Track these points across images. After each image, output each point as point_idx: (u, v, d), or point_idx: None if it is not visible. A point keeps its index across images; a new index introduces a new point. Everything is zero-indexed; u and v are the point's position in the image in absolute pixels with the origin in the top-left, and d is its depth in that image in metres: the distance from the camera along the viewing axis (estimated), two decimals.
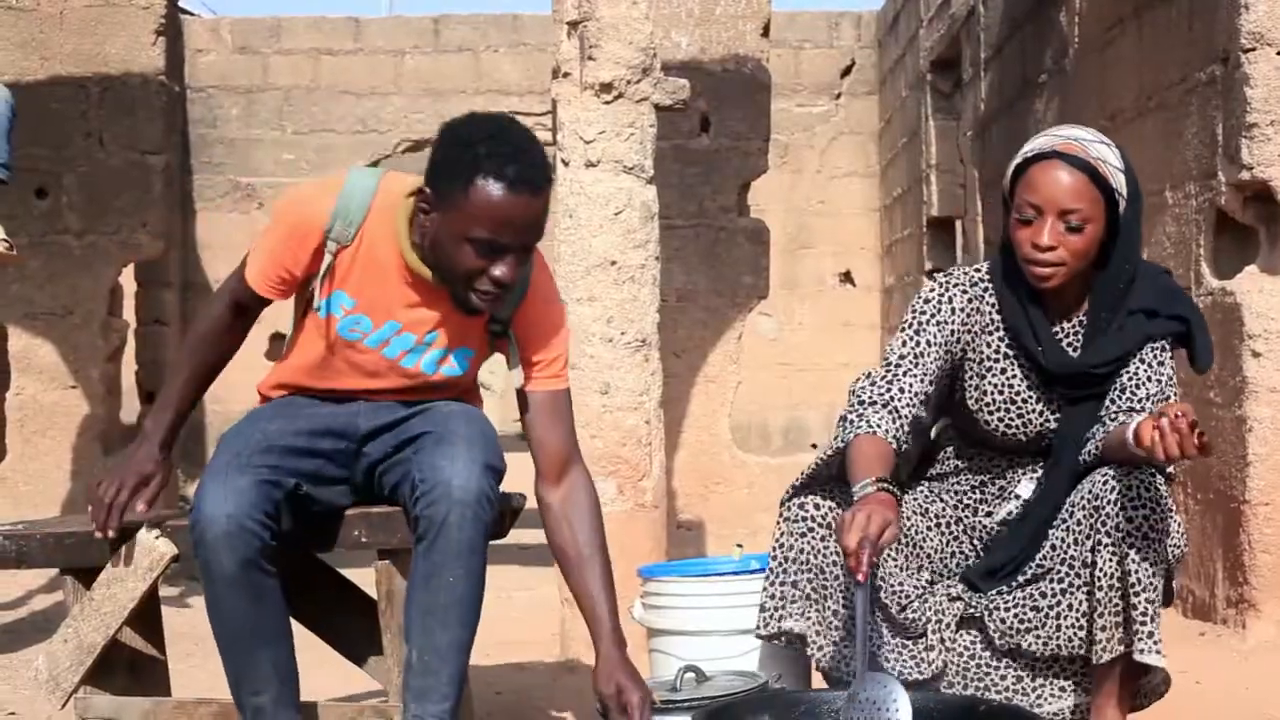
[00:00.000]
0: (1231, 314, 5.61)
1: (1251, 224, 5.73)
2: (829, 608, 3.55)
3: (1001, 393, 3.68)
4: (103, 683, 3.66)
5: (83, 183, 8.96)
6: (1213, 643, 5.55)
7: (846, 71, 15.87)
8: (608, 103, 5.34)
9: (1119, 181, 3.54)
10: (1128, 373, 3.59)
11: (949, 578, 3.73)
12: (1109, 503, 3.40)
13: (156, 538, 3.49)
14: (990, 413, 3.70)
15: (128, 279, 10.56)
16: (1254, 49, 5.50)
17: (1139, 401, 3.55)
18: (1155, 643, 3.39)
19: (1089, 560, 3.44)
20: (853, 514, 3.20)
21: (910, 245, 13.59)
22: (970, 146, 11.02)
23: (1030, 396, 3.66)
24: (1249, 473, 5.51)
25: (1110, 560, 3.40)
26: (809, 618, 3.56)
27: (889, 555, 3.57)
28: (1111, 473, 3.43)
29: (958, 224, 11.96)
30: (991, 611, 3.60)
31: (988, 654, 3.64)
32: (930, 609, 3.61)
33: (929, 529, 3.72)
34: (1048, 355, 3.61)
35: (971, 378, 3.70)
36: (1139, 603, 3.38)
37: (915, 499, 3.76)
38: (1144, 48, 6.69)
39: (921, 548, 3.69)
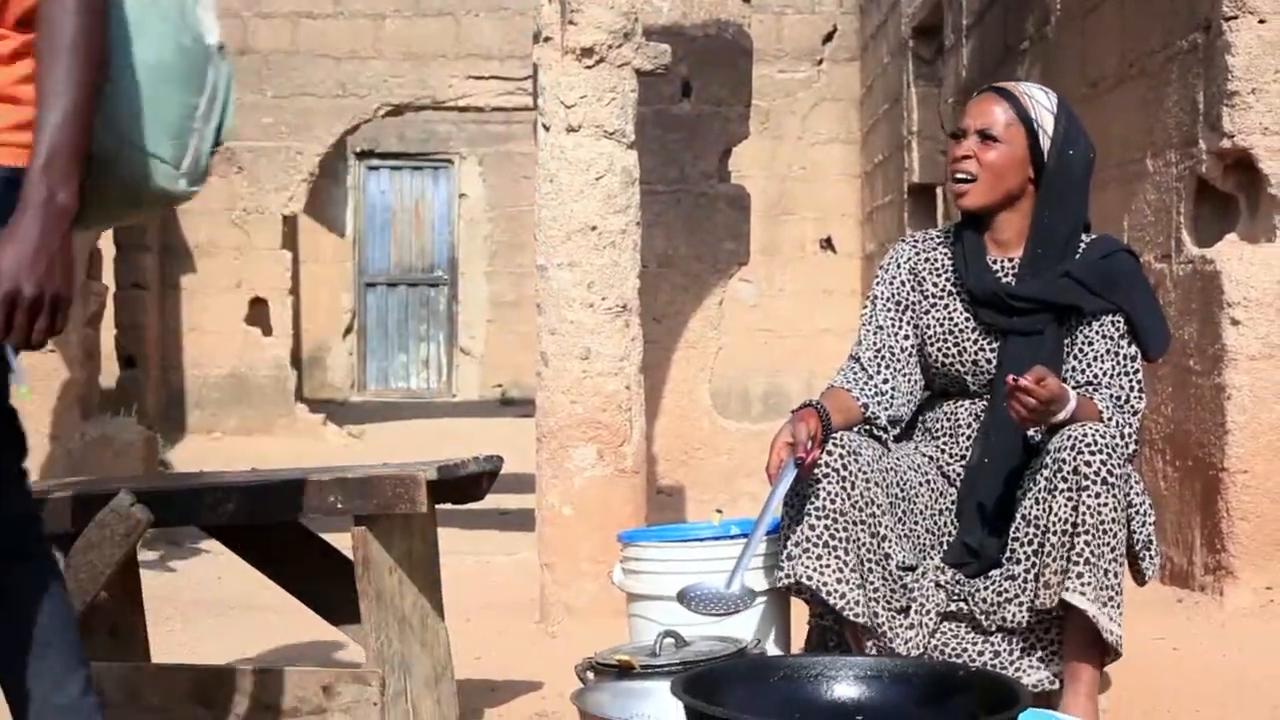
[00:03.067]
0: (1211, 282, 5.61)
1: (1232, 192, 5.73)
2: (848, 554, 3.57)
3: (942, 325, 3.85)
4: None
5: None
6: (1190, 609, 5.57)
7: (828, 38, 15.85)
8: (589, 67, 5.32)
9: (1040, 114, 3.77)
10: (1085, 344, 3.73)
11: (936, 543, 3.76)
12: (1064, 449, 3.48)
13: (132, 504, 3.48)
14: (932, 344, 3.86)
15: (106, 242, 10.52)
16: (1236, 17, 5.50)
17: (1095, 376, 3.71)
18: (1084, 584, 3.45)
19: (1049, 508, 3.50)
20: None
21: (891, 212, 13.58)
22: (952, 113, 11.01)
23: (967, 327, 3.82)
24: (1227, 440, 5.52)
25: (1065, 505, 3.48)
26: (827, 564, 3.57)
27: (890, 516, 3.63)
28: (1070, 429, 3.51)
29: (938, 191, 11.95)
30: (973, 595, 3.63)
31: (970, 636, 3.66)
32: (917, 590, 3.64)
33: (920, 484, 3.77)
34: (972, 276, 3.80)
35: (921, 316, 3.89)
36: (1079, 544, 3.46)
37: (907, 455, 3.81)
38: (1126, 15, 6.68)
39: (914, 503, 3.73)
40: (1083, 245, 3.79)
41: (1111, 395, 3.66)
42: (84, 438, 8.38)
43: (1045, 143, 3.75)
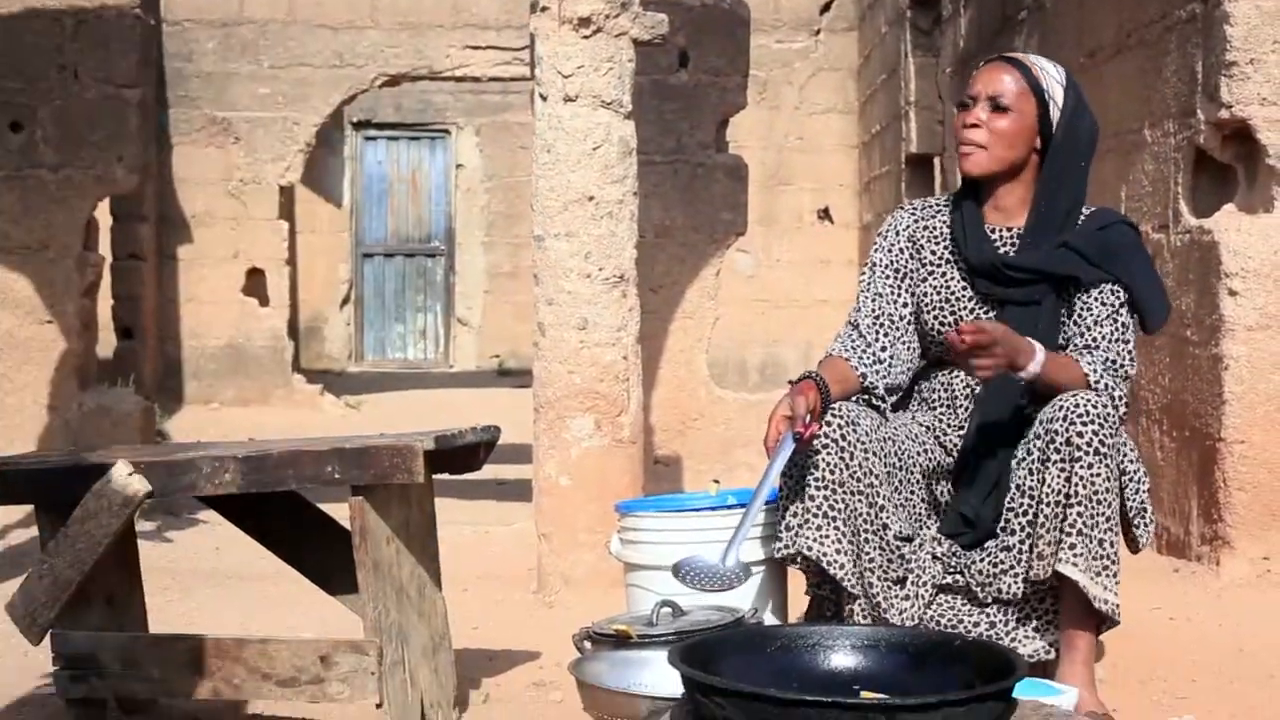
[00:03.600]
0: (1209, 252, 5.61)
1: (1230, 163, 5.73)
2: (845, 525, 3.57)
3: (939, 293, 3.87)
4: (79, 619, 3.66)
5: (57, 116, 8.89)
6: (1187, 579, 5.58)
7: (826, 8, 15.81)
8: (586, 37, 5.31)
9: (1050, 86, 3.77)
10: (1084, 310, 3.74)
11: (933, 513, 3.77)
12: (1057, 420, 3.50)
13: (130, 474, 3.48)
14: (929, 312, 3.87)
15: (103, 213, 10.50)
16: None
17: (1095, 340, 3.72)
18: (1077, 555, 3.48)
19: (1042, 479, 3.50)
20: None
21: (889, 182, 13.56)
22: (949, 83, 10.99)
23: (964, 296, 3.84)
24: (1225, 410, 5.53)
25: (1058, 477, 3.50)
26: (826, 535, 3.58)
27: (888, 485, 3.63)
28: (1062, 399, 3.53)
29: (936, 161, 11.94)
30: (969, 566, 3.64)
31: (966, 607, 3.67)
32: (914, 562, 3.65)
33: (917, 454, 3.78)
34: (970, 245, 3.81)
35: (918, 284, 3.90)
36: (1072, 515, 3.48)
37: (904, 424, 3.82)
38: None
39: (911, 473, 3.75)
40: (1082, 217, 3.80)
41: (1106, 359, 3.66)
42: (81, 408, 8.37)
43: (1055, 114, 3.76)
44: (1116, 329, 3.71)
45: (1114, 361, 3.67)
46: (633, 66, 5.42)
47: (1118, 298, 3.72)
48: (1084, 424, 3.46)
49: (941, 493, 3.80)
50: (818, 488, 3.58)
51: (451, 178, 18.98)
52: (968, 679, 2.64)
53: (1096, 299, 3.72)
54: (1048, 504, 3.50)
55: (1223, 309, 5.53)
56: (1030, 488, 3.55)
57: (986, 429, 3.75)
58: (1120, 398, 3.64)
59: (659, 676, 3.36)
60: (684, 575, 3.52)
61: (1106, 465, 3.47)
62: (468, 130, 18.70)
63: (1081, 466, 3.46)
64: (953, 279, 3.85)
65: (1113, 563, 3.51)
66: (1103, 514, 3.48)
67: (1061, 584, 3.56)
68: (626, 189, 5.37)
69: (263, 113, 13.03)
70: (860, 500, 3.57)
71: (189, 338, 13.00)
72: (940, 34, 11.58)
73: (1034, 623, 3.65)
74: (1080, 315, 3.73)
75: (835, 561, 3.58)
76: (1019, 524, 3.57)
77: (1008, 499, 3.60)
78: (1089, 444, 3.45)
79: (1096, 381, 3.61)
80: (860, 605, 3.62)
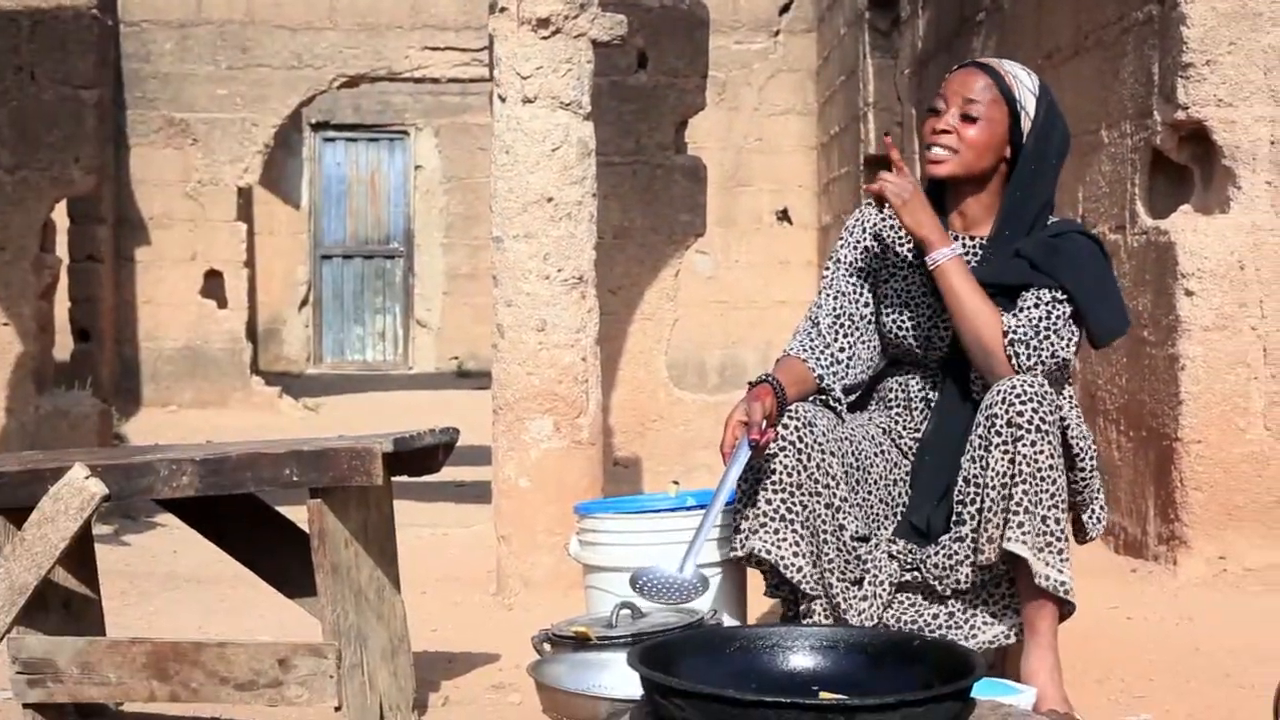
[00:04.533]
0: (1165, 253, 5.64)
1: (1186, 163, 5.76)
2: (803, 527, 3.58)
3: (900, 295, 3.84)
4: (36, 623, 3.64)
5: (14, 117, 8.83)
6: (1145, 579, 5.60)
7: (785, 9, 15.84)
8: (545, 38, 5.31)
9: (1023, 95, 3.74)
10: (1022, 301, 3.67)
11: (890, 513, 3.77)
12: (996, 404, 3.50)
13: (86, 477, 3.46)
14: (888, 314, 3.85)
15: (60, 215, 10.46)
16: None
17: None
18: (1024, 533, 3.48)
19: (986, 464, 3.50)
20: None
21: (847, 183, 13.59)
22: (907, 85, 11.02)
23: (924, 302, 3.81)
24: (1181, 411, 5.55)
25: (1002, 459, 3.49)
26: (784, 538, 3.58)
27: (846, 487, 3.63)
28: (999, 384, 3.53)
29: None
30: (925, 561, 3.64)
31: (925, 603, 3.68)
32: (871, 562, 3.65)
33: (874, 455, 3.78)
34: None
35: (880, 284, 3.88)
36: (1017, 493, 3.48)
37: (861, 425, 3.82)
38: None
39: (869, 473, 3.74)
40: (1045, 226, 3.78)
41: (1032, 324, 3.59)
42: (38, 411, 8.33)
43: (1026, 125, 3.74)
44: (1047, 316, 3.59)
45: (1038, 335, 3.58)
46: (591, 67, 5.42)
47: (1054, 296, 3.63)
48: (1023, 403, 3.46)
49: (899, 495, 3.80)
50: (775, 490, 3.58)
51: (410, 179, 18.96)
52: (926, 679, 2.65)
53: (1033, 293, 3.65)
54: (993, 487, 3.49)
55: (1179, 309, 5.55)
56: (975, 475, 3.53)
57: (941, 435, 3.75)
58: (1050, 368, 3.59)
59: (618, 678, 3.36)
60: (641, 587, 3.50)
61: (1049, 443, 3.47)
62: (426, 131, 18.68)
63: (1025, 445, 3.45)
64: (914, 283, 3.83)
65: (1058, 540, 3.49)
66: (1047, 491, 3.47)
67: (1015, 566, 3.56)
68: (585, 190, 5.37)
69: (221, 114, 13.01)
70: (818, 501, 3.57)
71: (147, 340, 12.96)
72: (899, 35, 11.61)
73: (993, 607, 3.64)
74: (1019, 306, 3.67)
75: (792, 564, 3.59)
76: (969, 513, 3.56)
77: (956, 491, 3.59)
78: (1029, 422, 3.45)
79: (1006, 335, 3.57)
80: (820, 605, 3.62)
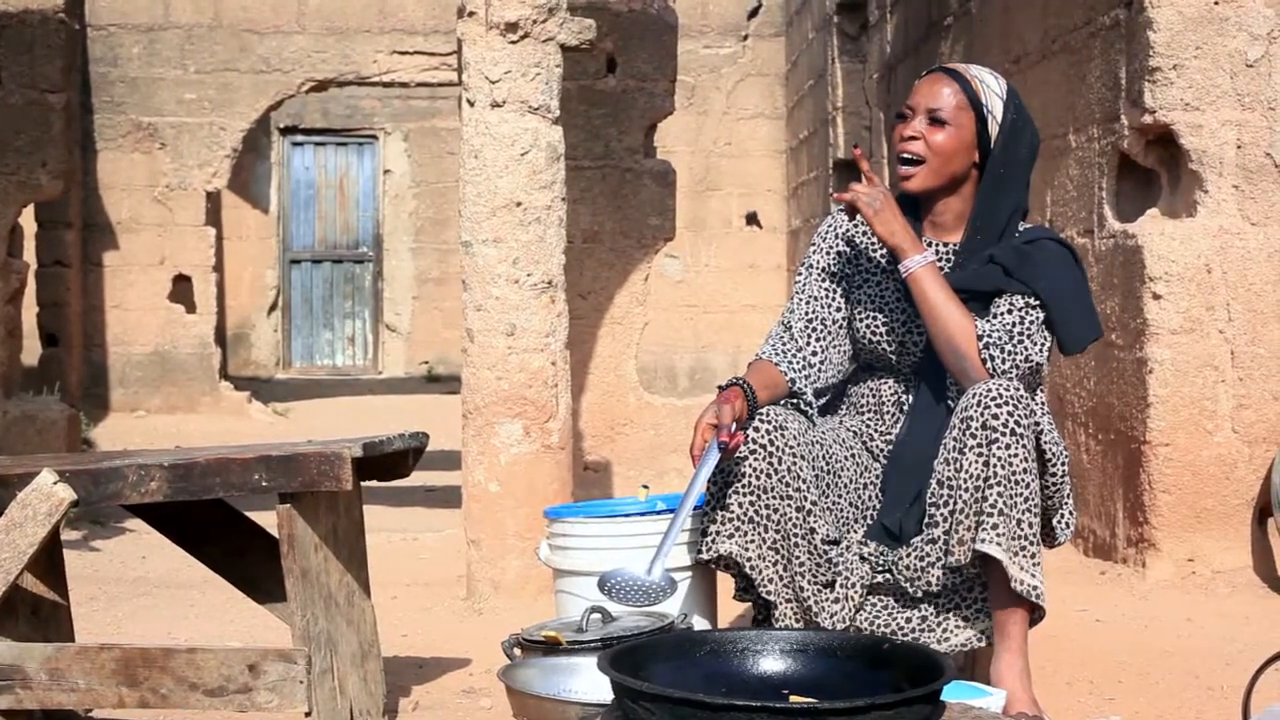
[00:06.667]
0: (1133, 256, 5.66)
1: (1153, 167, 5.78)
2: (770, 530, 3.58)
3: (873, 301, 3.85)
4: (4, 629, 3.62)
5: None
6: (1113, 581, 5.62)
7: (753, 13, 15.87)
8: (514, 42, 5.31)
9: (990, 100, 3.75)
10: (995, 308, 3.68)
11: (861, 517, 3.77)
12: (971, 407, 3.50)
13: (55, 483, 3.45)
14: (861, 320, 3.85)
15: (27, 219, 10.42)
16: None
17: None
18: (999, 535, 3.47)
19: (959, 466, 3.51)
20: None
21: (816, 187, 13.61)
22: (876, 89, 11.04)
23: (897, 308, 3.82)
24: (1149, 414, 5.57)
25: (976, 461, 3.49)
26: (750, 540, 3.58)
27: (816, 491, 3.63)
28: (975, 387, 3.53)
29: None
30: (897, 563, 3.65)
31: (896, 606, 3.68)
32: (842, 565, 3.65)
33: (845, 459, 3.78)
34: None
35: (853, 289, 3.88)
36: (991, 495, 3.47)
37: (832, 429, 3.82)
38: None
39: (839, 477, 3.74)
40: (1018, 233, 3.79)
41: (1006, 329, 3.62)
42: (6, 416, 8.30)
43: (994, 129, 3.74)
44: (1020, 321, 3.61)
45: (1013, 341, 3.59)
46: (560, 72, 5.42)
47: (1027, 301, 3.65)
48: (999, 406, 3.46)
49: (869, 498, 3.80)
50: (745, 493, 3.59)
51: (379, 183, 18.94)
52: (896, 682, 2.66)
53: (1006, 299, 3.67)
54: (965, 489, 3.49)
55: (1147, 313, 5.57)
56: (949, 477, 3.54)
57: (914, 439, 3.75)
58: (1023, 372, 3.61)
59: (589, 683, 3.36)
60: (609, 590, 3.50)
61: (1024, 445, 3.47)
62: (395, 136, 18.66)
63: (999, 447, 3.45)
64: (887, 289, 3.84)
65: (1031, 544, 3.49)
66: (1021, 494, 3.48)
67: (986, 569, 3.56)
68: (554, 194, 5.37)
69: (189, 118, 12.97)
70: (788, 504, 3.58)
71: (115, 345, 12.92)
72: (867, 40, 11.63)
73: (964, 611, 3.65)
74: (989, 317, 3.68)
75: (758, 567, 3.59)
76: (941, 515, 3.56)
77: (929, 493, 3.60)
78: (1004, 425, 3.45)
79: (981, 337, 3.58)
80: (791, 609, 3.63)
